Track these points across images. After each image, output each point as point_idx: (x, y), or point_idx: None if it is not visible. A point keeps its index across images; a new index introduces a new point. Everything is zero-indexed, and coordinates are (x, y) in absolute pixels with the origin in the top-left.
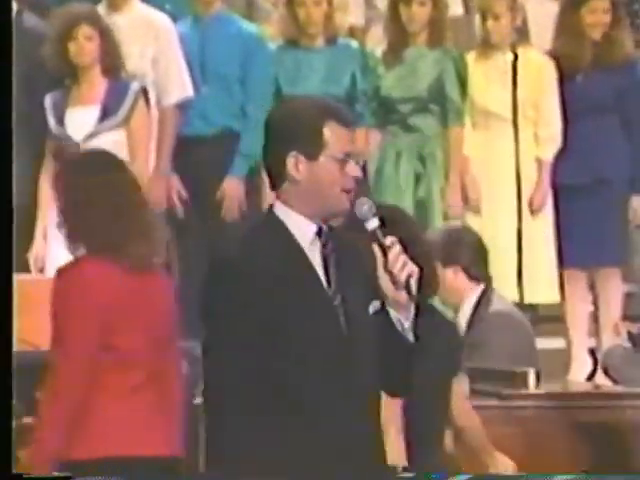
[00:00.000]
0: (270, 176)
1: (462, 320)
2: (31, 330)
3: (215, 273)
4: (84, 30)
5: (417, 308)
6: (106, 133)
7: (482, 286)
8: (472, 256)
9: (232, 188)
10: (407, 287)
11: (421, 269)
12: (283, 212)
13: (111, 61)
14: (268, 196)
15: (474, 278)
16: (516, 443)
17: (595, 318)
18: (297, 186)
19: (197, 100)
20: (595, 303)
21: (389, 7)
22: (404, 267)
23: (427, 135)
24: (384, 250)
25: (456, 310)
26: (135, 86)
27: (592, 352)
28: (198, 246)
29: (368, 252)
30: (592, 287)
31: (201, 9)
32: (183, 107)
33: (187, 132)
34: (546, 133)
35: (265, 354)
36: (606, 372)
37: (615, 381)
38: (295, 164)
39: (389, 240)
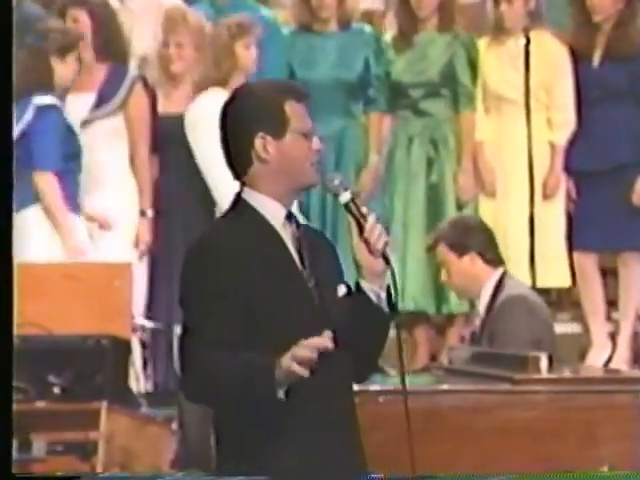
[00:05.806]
0: (234, 164)
1: (481, 307)
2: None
3: (190, 258)
4: (71, 13)
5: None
6: (102, 120)
7: (500, 270)
8: (483, 240)
9: None
10: (384, 255)
11: None
12: (252, 197)
13: (109, 45)
14: None
15: (490, 262)
16: (528, 428)
17: (613, 302)
18: (267, 166)
19: None
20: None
21: None
22: (381, 235)
23: (439, 119)
24: (358, 221)
25: (475, 298)
26: (133, 71)
27: (612, 336)
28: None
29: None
30: (604, 272)
31: None
32: None
33: None
34: (560, 118)
35: (242, 337)
36: None
37: None
38: (263, 145)
39: (365, 209)
